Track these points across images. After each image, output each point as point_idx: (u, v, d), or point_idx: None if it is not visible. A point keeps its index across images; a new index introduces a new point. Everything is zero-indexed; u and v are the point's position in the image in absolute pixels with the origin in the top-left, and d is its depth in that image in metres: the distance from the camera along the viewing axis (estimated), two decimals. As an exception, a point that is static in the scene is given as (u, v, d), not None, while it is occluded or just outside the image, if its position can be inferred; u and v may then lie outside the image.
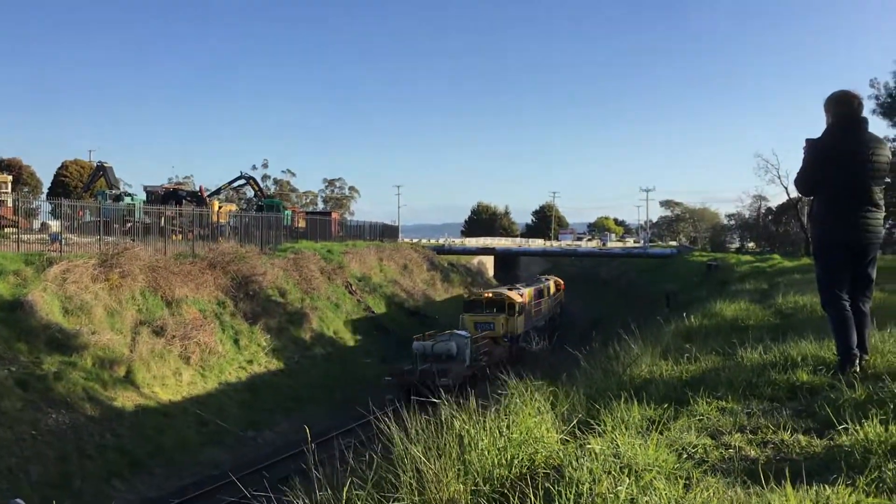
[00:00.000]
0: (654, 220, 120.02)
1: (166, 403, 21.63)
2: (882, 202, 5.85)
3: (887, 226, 62.16)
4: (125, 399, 20.38)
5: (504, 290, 40.11)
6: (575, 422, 4.65)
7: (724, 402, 5.09)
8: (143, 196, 47.54)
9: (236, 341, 27.07)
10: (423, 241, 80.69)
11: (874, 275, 5.97)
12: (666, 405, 5.14)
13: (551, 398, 5.43)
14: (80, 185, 58.01)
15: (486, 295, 38.93)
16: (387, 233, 65.00)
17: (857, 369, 5.50)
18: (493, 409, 4.67)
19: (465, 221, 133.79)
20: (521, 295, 39.62)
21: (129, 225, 31.85)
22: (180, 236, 34.39)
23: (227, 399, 23.84)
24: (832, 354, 5.97)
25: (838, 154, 5.72)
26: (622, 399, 5.06)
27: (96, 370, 20.56)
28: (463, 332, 31.08)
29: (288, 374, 27.77)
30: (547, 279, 52.88)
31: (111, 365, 21.12)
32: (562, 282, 57.06)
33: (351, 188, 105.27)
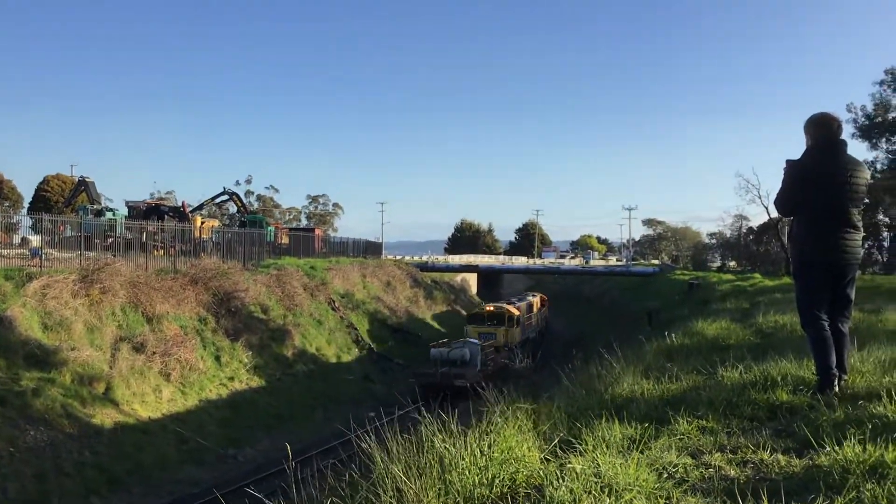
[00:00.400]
0: (637, 239, 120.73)
1: (146, 421, 21.42)
2: (860, 223, 5.92)
3: (865, 246, 62.88)
4: (104, 416, 20.17)
5: (504, 305, 44.66)
6: (556, 440, 4.66)
7: (704, 422, 5.11)
8: (125, 211, 47.27)
9: (217, 358, 26.89)
10: (407, 257, 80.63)
11: (853, 295, 6.02)
12: (647, 424, 5.15)
13: (533, 416, 5.44)
14: (62, 200, 57.60)
15: (487, 308, 43.79)
16: (370, 249, 64.94)
17: (837, 389, 5.54)
18: (474, 428, 4.67)
19: (449, 238, 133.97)
20: (518, 309, 44.12)
21: (110, 240, 31.64)
22: (162, 252, 34.19)
23: (207, 416, 23.65)
24: (812, 374, 6.01)
25: (817, 176, 5.79)
26: (603, 418, 5.08)
27: (75, 387, 20.34)
28: (474, 341, 35.08)
29: (269, 391, 27.59)
30: (533, 295, 56.23)
31: (90, 381, 20.91)
32: (546, 298, 60.40)
33: (335, 204, 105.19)
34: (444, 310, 61.14)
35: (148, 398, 22.40)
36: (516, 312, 42.83)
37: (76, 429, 18.91)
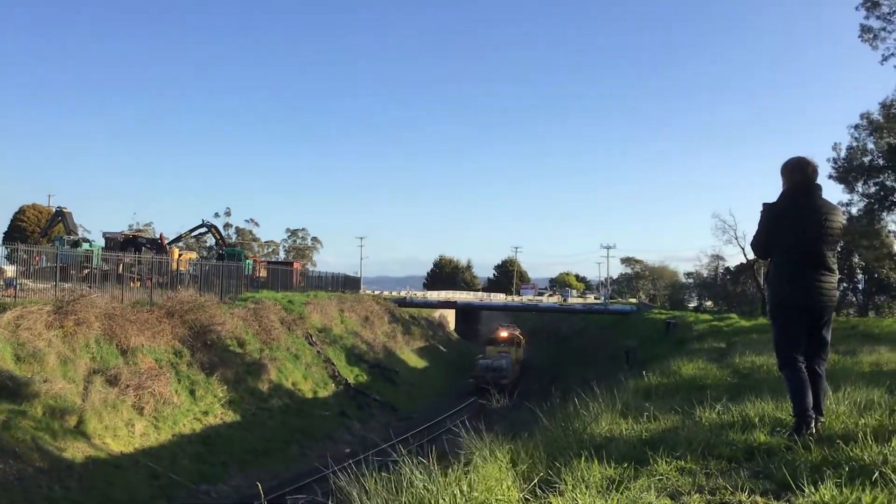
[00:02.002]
0: (615, 277, 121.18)
1: (118, 455, 21.06)
2: (835, 266, 6.02)
3: (841, 288, 63.54)
4: (75, 450, 19.82)
5: (512, 331, 58.95)
6: (536, 480, 4.65)
7: (683, 462, 5.12)
8: (102, 242, 46.98)
9: (192, 392, 26.56)
10: (385, 292, 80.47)
11: (829, 337, 6.09)
12: (626, 464, 5.15)
13: (512, 455, 5.42)
14: (38, 230, 57.20)
15: (501, 335, 57.47)
16: (348, 284, 64.83)
17: (814, 431, 5.57)
18: (454, 467, 4.65)
19: (427, 274, 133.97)
20: (522, 335, 59.68)
21: (86, 271, 31.36)
22: (138, 284, 33.91)
23: (180, 451, 23.29)
24: (789, 415, 6.05)
25: (793, 219, 5.89)
26: (583, 457, 5.07)
27: (47, 419, 19.99)
28: (506, 354, 51.32)
29: (244, 426, 27.25)
30: (516, 327, 65.96)
31: (62, 414, 20.56)
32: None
33: (314, 238, 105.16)
34: (421, 345, 60.96)
35: (120, 432, 22.06)
36: (521, 337, 58.26)
37: (47, 463, 18.54)
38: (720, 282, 75.68)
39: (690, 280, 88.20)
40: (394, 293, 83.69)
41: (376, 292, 76.35)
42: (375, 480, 4.27)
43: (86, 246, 40.30)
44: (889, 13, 39.19)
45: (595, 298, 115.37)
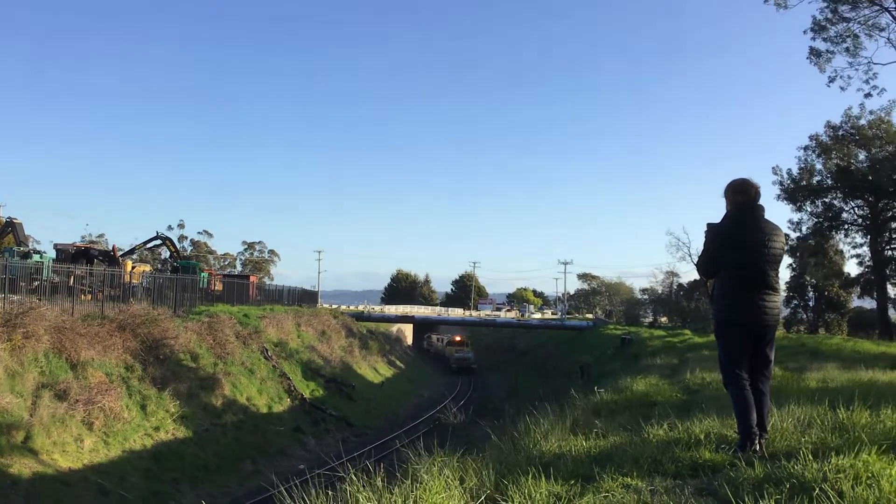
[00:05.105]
0: (572, 293, 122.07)
1: (66, 471, 20.59)
2: (778, 285, 6.15)
3: (792, 306, 64.64)
4: (22, 466, 19.33)
5: (462, 336, 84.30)
6: (483, 497, 4.66)
7: (629, 479, 5.16)
8: (53, 254, 46.05)
9: (143, 407, 26.09)
10: (343, 307, 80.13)
11: (773, 355, 6.20)
12: (573, 481, 5.18)
13: (460, 472, 5.42)
14: (-13, 241, 55.88)
15: (456, 339, 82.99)
16: (306, 298, 64.39)
17: (757, 448, 5.66)
18: (399, 483, 4.63)
19: (386, 289, 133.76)
20: (468, 339, 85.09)
21: (36, 283, 30.71)
22: (90, 296, 33.29)
23: (130, 468, 22.84)
24: (734, 432, 6.15)
25: (736, 240, 6.00)
26: (531, 474, 5.08)
27: (-8, 435, 19.51)
28: (469, 351, 79.26)
29: (196, 442, 26.82)
30: (465, 334, 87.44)
31: (9, 430, 20.05)
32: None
33: (271, 251, 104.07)
34: (379, 360, 60.72)
35: (69, 448, 21.58)
36: (468, 339, 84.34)
37: (-10, 479, 18.09)
38: (674, 298, 76.60)
39: (646, 296, 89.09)
40: (352, 307, 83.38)
41: (334, 306, 75.96)
42: (323, 499, 4.24)
43: (36, 257, 39.40)
44: (836, 36, 40.22)
45: (552, 314, 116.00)
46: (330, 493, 4.35)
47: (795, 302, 65.94)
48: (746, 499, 4.22)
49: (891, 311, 58.00)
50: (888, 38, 38.66)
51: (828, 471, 4.66)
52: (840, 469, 4.64)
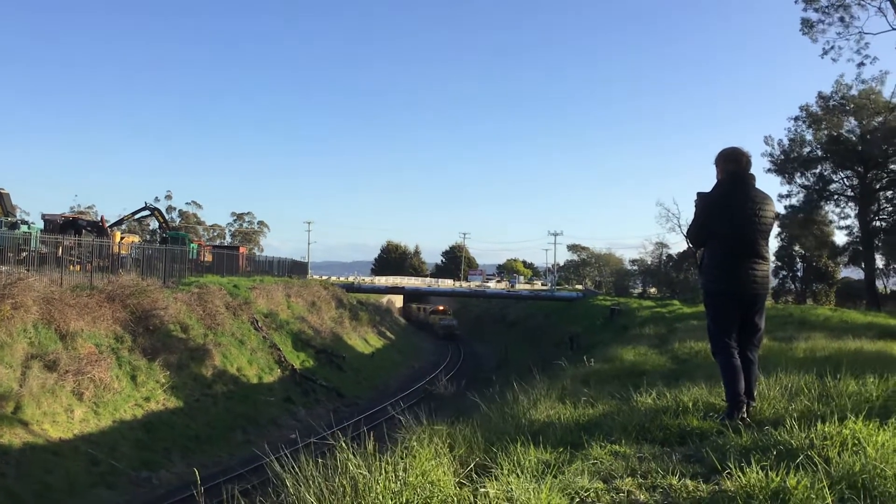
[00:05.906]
0: (562, 264, 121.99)
1: (56, 442, 20.65)
2: (768, 254, 6.15)
3: (780, 276, 64.99)
4: (12, 436, 19.37)
5: (445, 306, 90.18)
6: (472, 465, 4.68)
7: (617, 447, 5.19)
8: (41, 224, 45.75)
9: (133, 377, 26.12)
10: (333, 278, 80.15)
11: (762, 324, 6.22)
12: (562, 449, 5.21)
13: (450, 440, 5.44)
14: (-26, 212, 55.44)
15: (440, 308, 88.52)
16: (296, 269, 64.32)
17: (745, 416, 5.70)
18: (390, 451, 4.65)
19: (376, 260, 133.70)
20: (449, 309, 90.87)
21: (24, 254, 30.54)
22: (78, 267, 33.15)
23: (121, 438, 22.92)
24: (722, 400, 6.19)
25: (727, 208, 5.99)
26: (520, 442, 5.11)
27: (-19, 406, 19.52)
28: (451, 317, 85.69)
29: (187, 412, 26.91)
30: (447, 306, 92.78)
31: (-2, 400, 20.09)
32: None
33: (260, 223, 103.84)
34: (369, 331, 60.88)
35: (59, 418, 21.62)
36: (450, 309, 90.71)
37: (-19, 449, 18.12)
38: (664, 269, 76.82)
39: (635, 267, 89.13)
40: (342, 278, 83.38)
41: (324, 277, 76.01)
42: (312, 466, 4.25)
43: (24, 228, 39.12)
44: (827, 6, 40.07)
45: (542, 285, 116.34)
46: (320, 461, 4.35)
47: (784, 272, 66.31)
48: (733, 465, 4.25)
49: (878, 282, 58.42)
50: (879, 7, 38.58)
51: (814, 438, 4.70)
52: (827, 436, 4.68)
